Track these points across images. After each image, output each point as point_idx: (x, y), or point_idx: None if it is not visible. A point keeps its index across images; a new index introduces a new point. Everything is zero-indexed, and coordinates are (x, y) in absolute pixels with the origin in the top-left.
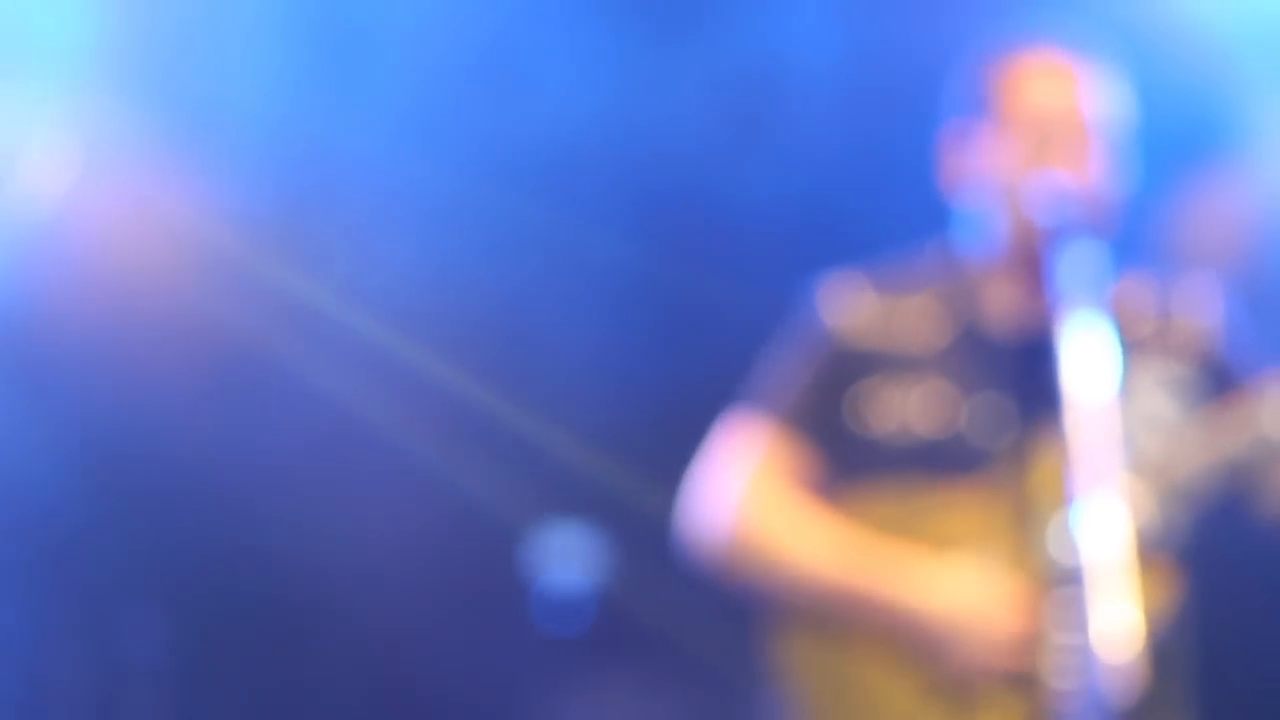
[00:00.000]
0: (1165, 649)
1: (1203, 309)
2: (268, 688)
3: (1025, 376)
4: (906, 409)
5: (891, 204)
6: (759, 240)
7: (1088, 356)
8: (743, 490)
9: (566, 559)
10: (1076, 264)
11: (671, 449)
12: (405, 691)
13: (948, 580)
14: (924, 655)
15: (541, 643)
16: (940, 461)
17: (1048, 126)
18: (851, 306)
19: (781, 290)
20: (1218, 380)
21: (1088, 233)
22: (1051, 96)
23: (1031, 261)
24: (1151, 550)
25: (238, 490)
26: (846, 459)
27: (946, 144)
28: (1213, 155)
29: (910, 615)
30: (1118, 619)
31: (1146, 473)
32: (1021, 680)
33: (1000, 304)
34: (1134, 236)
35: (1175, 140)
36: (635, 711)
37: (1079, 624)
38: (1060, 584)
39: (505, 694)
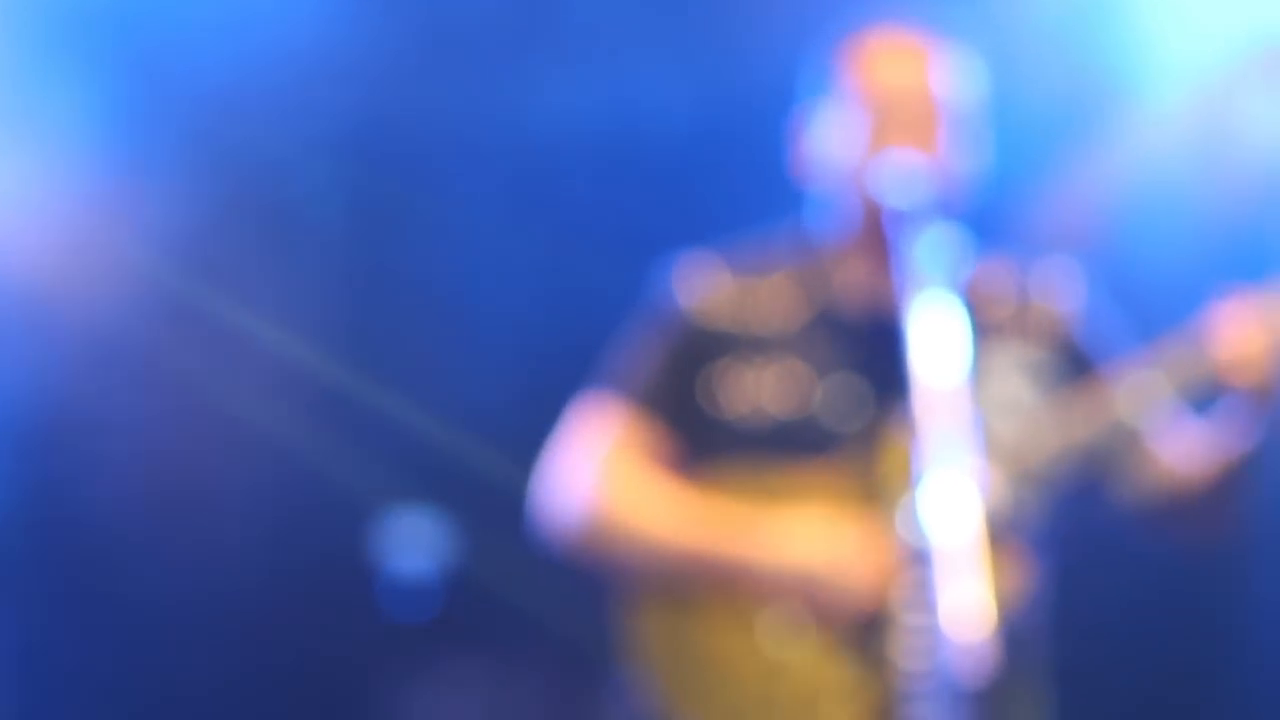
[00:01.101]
0: (1017, 633)
1: (1061, 293)
2: (113, 674)
3: (878, 358)
4: (760, 390)
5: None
6: (615, 225)
7: (939, 338)
8: (594, 470)
9: (414, 544)
10: (927, 244)
11: (524, 431)
12: (252, 676)
13: (799, 532)
14: (778, 606)
15: (389, 628)
16: (793, 443)
17: (894, 106)
18: (705, 287)
19: (635, 270)
20: (1075, 364)
21: (936, 212)
22: (897, 76)
23: (881, 242)
24: (1003, 534)
25: (82, 469)
26: (700, 440)
27: (796, 128)
28: (1073, 140)
29: (762, 568)
30: (968, 601)
31: (1000, 456)
32: (877, 626)
33: (853, 285)
34: (993, 220)
35: (1037, 124)
36: (485, 697)
37: (929, 606)
38: (910, 566)
39: (353, 680)
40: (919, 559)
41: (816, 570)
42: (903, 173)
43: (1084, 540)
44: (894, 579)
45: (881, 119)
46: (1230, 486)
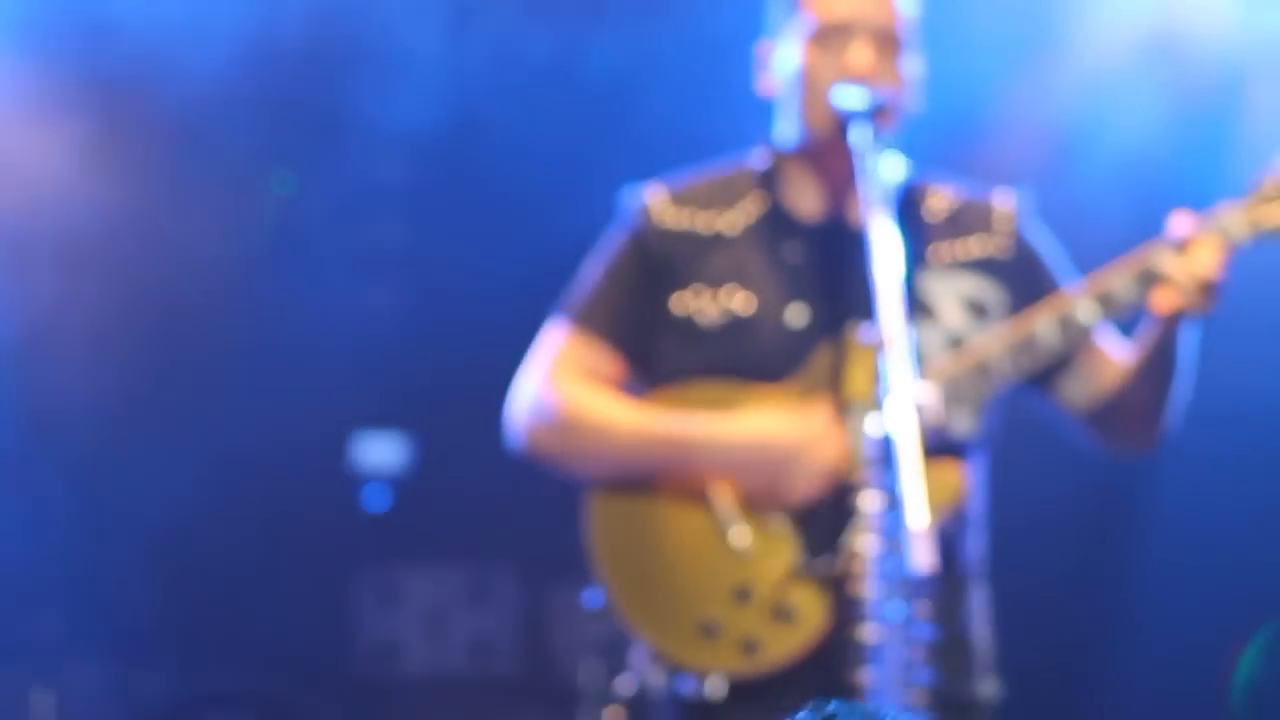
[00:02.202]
0: (953, 529)
1: (1009, 221)
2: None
3: (829, 262)
4: (711, 293)
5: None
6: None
7: (887, 248)
8: (545, 381)
9: (382, 456)
10: (878, 160)
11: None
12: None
13: (755, 415)
14: (731, 484)
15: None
16: (745, 343)
17: (849, 26)
18: (654, 207)
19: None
20: (1019, 287)
21: (886, 131)
22: (845, 1)
23: (833, 154)
24: (940, 447)
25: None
26: (655, 350)
27: (760, 53)
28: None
29: (717, 440)
30: (915, 496)
31: (949, 356)
32: (828, 509)
33: (805, 193)
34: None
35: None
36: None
37: (882, 495)
38: (864, 458)
39: (330, 554)
40: (873, 452)
41: (772, 444)
42: (853, 90)
43: (1014, 447)
44: (846, 462)
45: (837, 38)
46: (1154, 383)
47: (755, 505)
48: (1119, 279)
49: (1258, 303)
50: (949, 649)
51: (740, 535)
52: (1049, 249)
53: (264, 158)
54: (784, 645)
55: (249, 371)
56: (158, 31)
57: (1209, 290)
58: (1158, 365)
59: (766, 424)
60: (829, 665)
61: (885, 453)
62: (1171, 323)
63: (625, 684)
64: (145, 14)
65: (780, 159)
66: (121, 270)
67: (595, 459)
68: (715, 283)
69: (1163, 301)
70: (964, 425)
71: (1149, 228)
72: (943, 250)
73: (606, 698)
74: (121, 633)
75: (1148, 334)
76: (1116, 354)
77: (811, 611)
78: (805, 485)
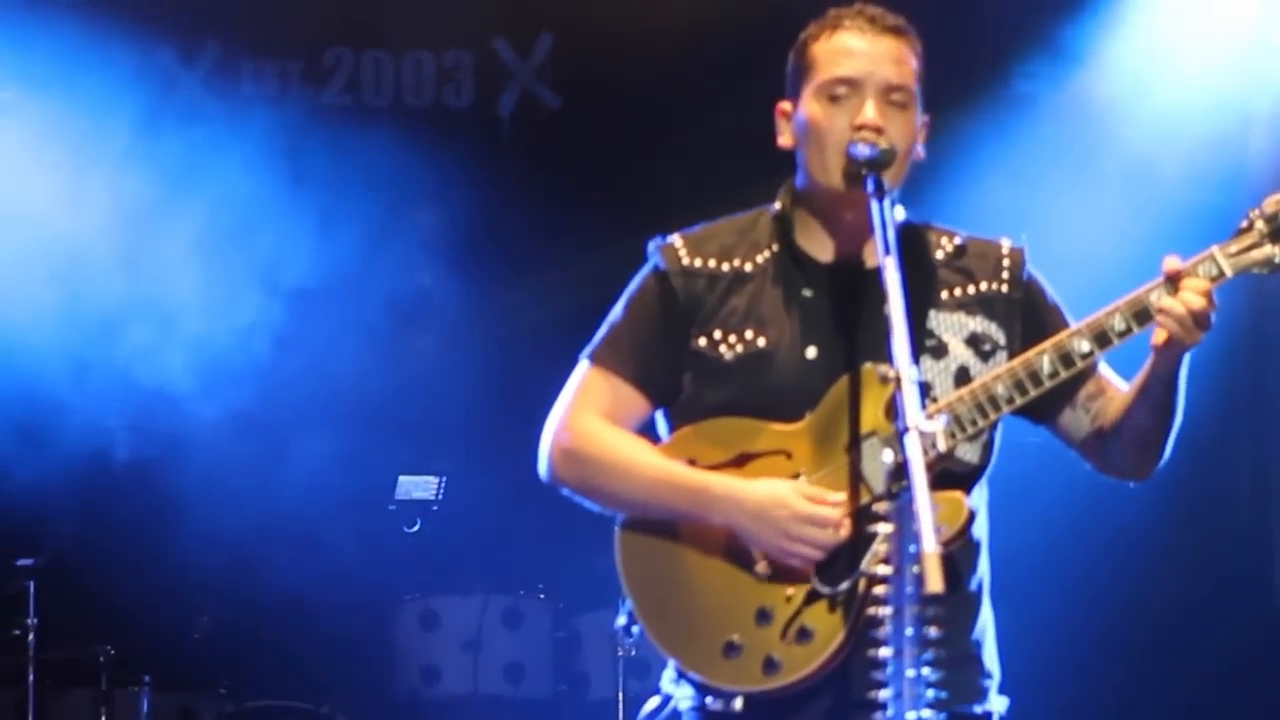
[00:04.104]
0: (957, 559)
1: (1012, 262)
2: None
3: (840, 304)
4: (728, 331)
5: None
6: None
7: (895, 292)
8: (571, 417)
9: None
10: (884, 207)
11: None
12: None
13: (770, 480)
14: (744, 532)
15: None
16: (759, 382)
17: (856, 84)
18: (678, 254)
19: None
20: (1021, 327)
21: (893, 179)
22: (856, 58)
23: (844, 201)
24: (947, 477)
25: None
26: (676, 388)
27: (779, 110)
28: None
29: (731, 495)
30: (924, 529)
31: (951, 399)
32: (835, 560)
33: (818, 237)
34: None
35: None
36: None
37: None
38: (876, 498)
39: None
40: (886, 480)
41: (779, 512)
42: (860, 143)
43: (1015, 476)
44: (841, 542)
45: (848, 94)
46: (1154, 414)
47: (762, 559)
48: (1115, 315)
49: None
50: (959, 666)
51: (762, 561)
52: (1049, 289)
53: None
54: (802, 664)
55: (301, 413)
56: None
57: (1199, 322)
58: (1157, 397)
59: (778, 491)
60: (846, 683)
61: (897, 481)
62: (1169, 356)
63: (653, 702)
64: None
65: (796, 205)
66: None
67: (614, 497)
68: (734, 322)
69: (1158, 334)
70: (970, 454)
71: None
72: (950, 290)
73: (636, 715)
74: (179, 656)
75: (1148, 368)
76: (1115, 387)
77: (829, 631)
78: (800, 555)
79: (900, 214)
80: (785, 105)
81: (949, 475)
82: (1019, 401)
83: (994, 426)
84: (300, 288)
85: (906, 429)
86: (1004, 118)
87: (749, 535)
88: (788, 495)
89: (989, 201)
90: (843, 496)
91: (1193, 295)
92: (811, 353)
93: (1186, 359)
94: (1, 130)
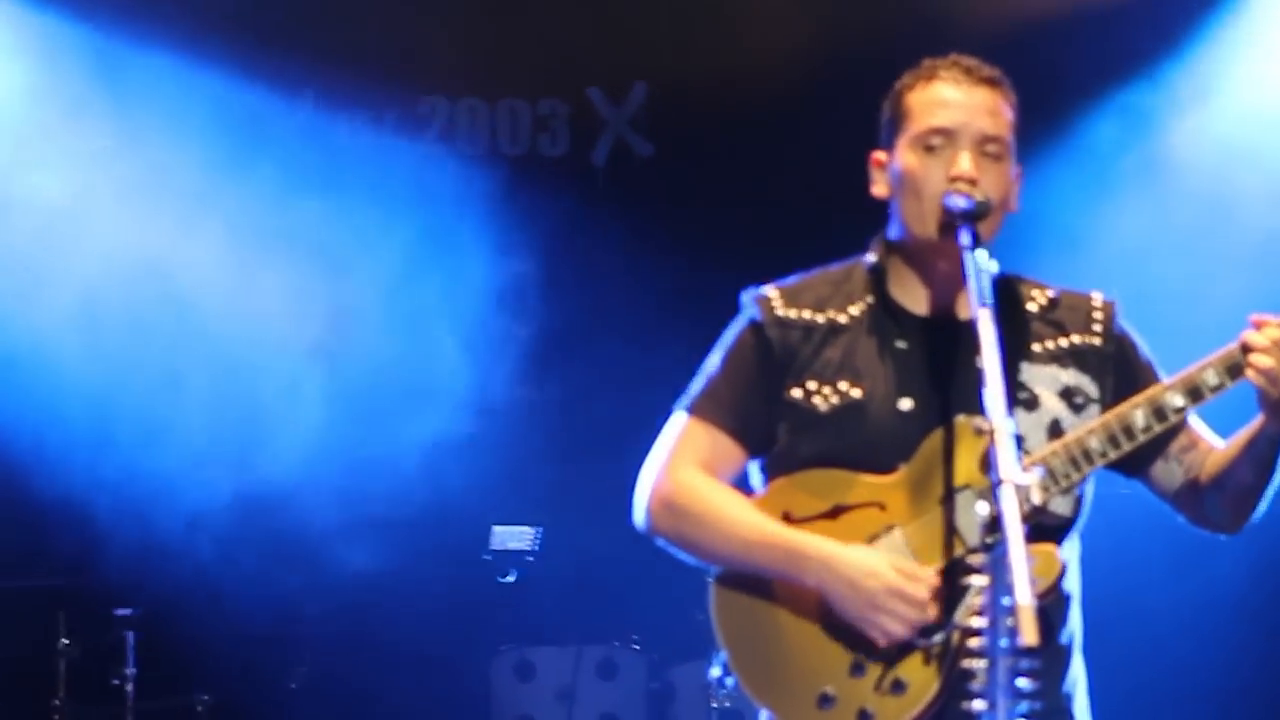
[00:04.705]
0: (1050, 612)
1: (1104, 316)
2: None
3: (935, 357)
4: (823, 384)
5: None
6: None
7: (989, 344)
8: (667, 468)
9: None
10: (978, 259)
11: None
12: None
13: (866, 550)
14: (833, 597)
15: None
16: (857, 431)
17: (951, 135)
18: (773, 305)
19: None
20: (1114, 380)
21: (987, 231)
22: (960, 103)
23: (938, 252)
24: (1040, 530)
25: None
26: (772, 438)
27: (873, 160)
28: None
29: (824, 559)
30: (1018, 581)
31: (1044, 452)
32: (944, 577)
33: (913, 289)
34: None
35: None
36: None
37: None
38: (969, 550)
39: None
40: (980, 533)
41: (870, 584)
42: (954, 195)
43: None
44: (925, 623)
45: (943, 145)
46: (1254, 469)
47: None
48: (1208, 370)
49: None
50: (1051, 719)
51: (841, 637)
52: (1141, 343)
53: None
54: (896, 716)
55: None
56: None
57: None
58: (1261, 452)
59: (873, 563)
60: None
61: (991, 533)
62: (1272, 411)
63: None
64: None
65: (891, 257)
66: None
67: (709, 552)
68: (829, 373)
69: (1255, 377)
70: (1063, 508)
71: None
72: (1042, 342)
73: None
74: (276, 706)
75: (1255, 423)
76: (1206, 440)
77: (922, 683)
78: (884, 631)
79: (994, 266)
80: (880, 155)
81: (1041, 528)
82: (1112, 455)
83: (1086, 479)
84: (390, 333)
85: (1001, 481)
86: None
87: (836, 600)
88: (881, 567)
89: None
90: (934, 575)
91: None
92: (905, 405)
93: None
94: (103, 178)
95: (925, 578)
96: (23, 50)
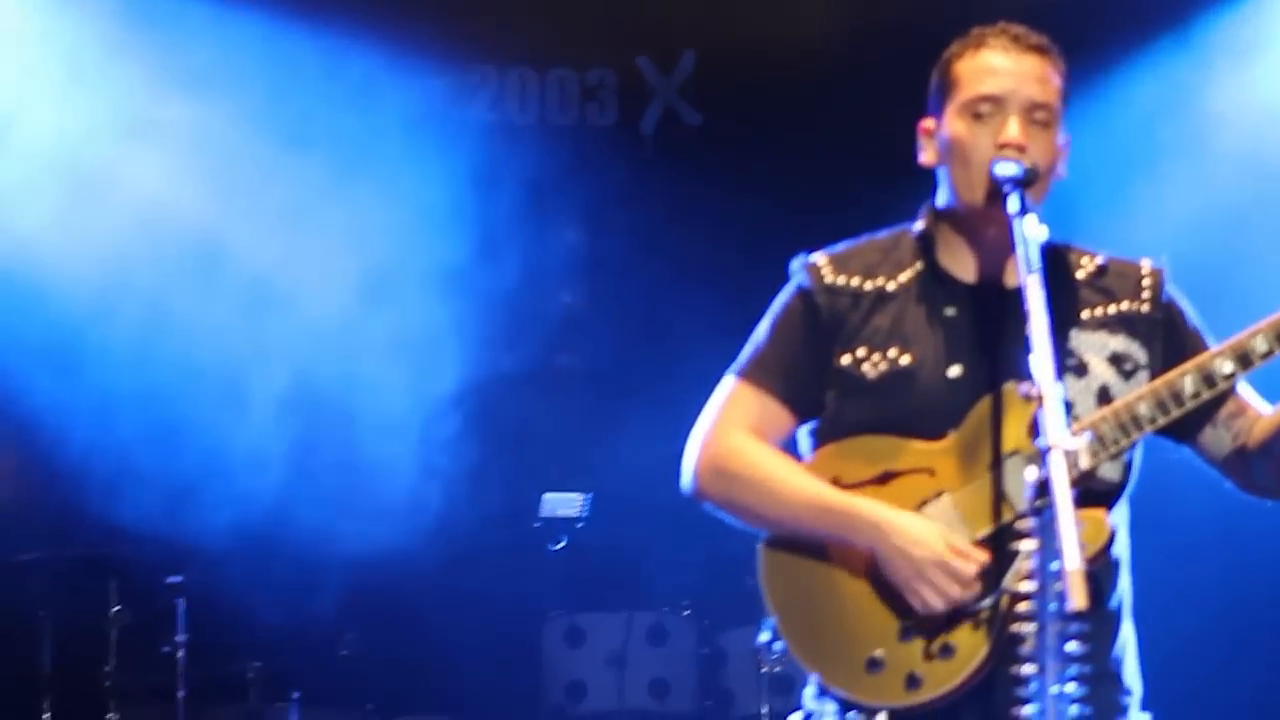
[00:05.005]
0: (1099, 577)
1: (1153, 282)
2: None
3: (984, 322)
4: (873, 348)
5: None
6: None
7: (1039, 307)
8: (717, 432)
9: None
10: (1027, 226)
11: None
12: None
13: (917, 517)
14: (882, 560)
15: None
16: (906, 397)
17: (999, 101)
18: (822, 272)
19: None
20: (1162, 347)
21: (1035, 198)
22: (1009, 68)
23: (986, 220)
24: (1088, 496)
25: None
26: (822, 403)
27: (922, 128)
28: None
29: (877, 523)
30: (1067, 546)
31: (1093, 418)
32: (992, 542)
33: (962, 256)
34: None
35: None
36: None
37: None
38: (1018, 515)
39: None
40: (1029, 498)
41: (920, 551)
42: (1003, 160)
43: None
44: (972, 595)
45: (991, 111)
46: None
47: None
48: (1258, 336)
49: None
50: (1101, 683)
51: (893, 600)
52: (1189, 310)
53: None
54: (945, 680)
55: (445, 430)
56: None
57: None
58: None
59: (924, 532)
60: (988, 699)
61: (1040, 498)
62: None
63: (796, 718)
64: None
65: (939, 224)
66: None
67: (759, 515)
68: (878, 340)
69: None
70: (1112, 473)
71: None
72: (1091, 309)
73: None
74: (327, 672)
75: None
76: (1255, 406)
77: (971, 648)
78: (924, 599)
79: (1044, 233)
80: (928, 123)
81: (1090, 494)
82: (1161, 421)
83: (1134, 445)
84: (439, 305)
85: (1050, 447)
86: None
87: (885, 564)
88: (933, 538)
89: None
90: (984, 554)
91: None
92: (954, 371)
93: None
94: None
95: (975, 556)
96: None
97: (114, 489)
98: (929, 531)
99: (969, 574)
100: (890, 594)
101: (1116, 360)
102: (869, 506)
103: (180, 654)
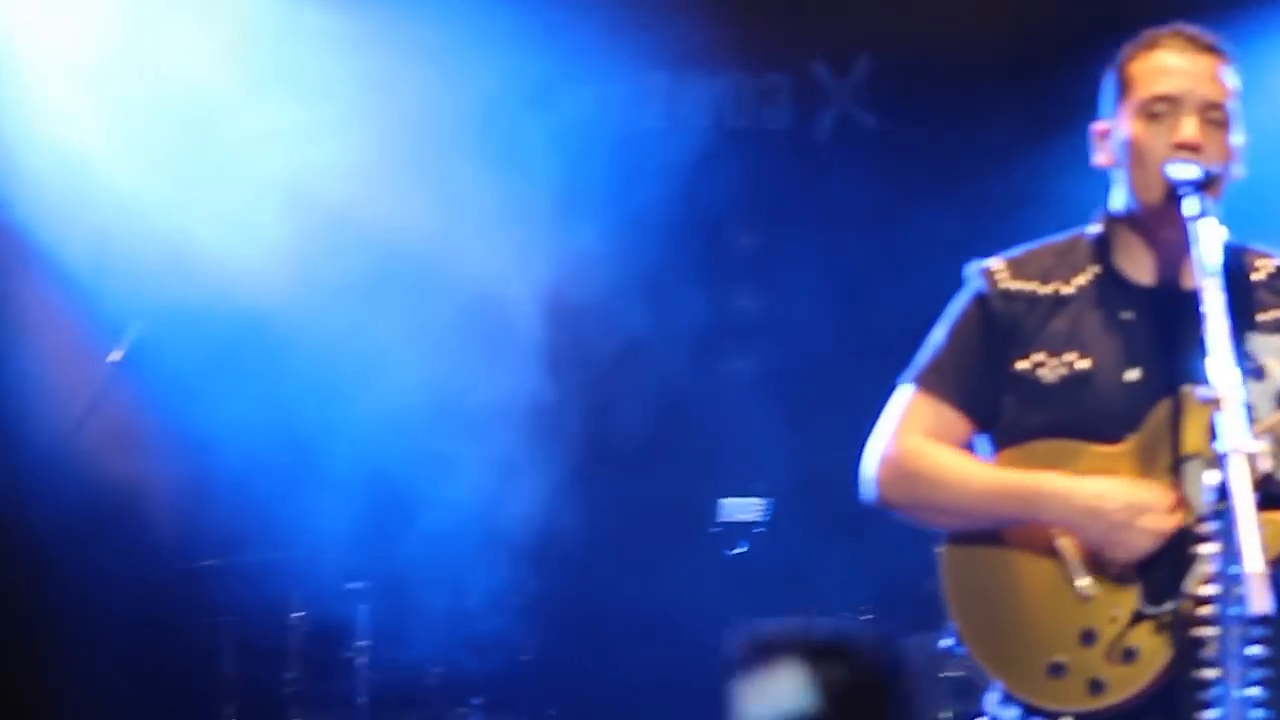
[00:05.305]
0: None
1: None
2: None
3: (1163, 326)
4: (1051, 353)
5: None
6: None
7: (1217, 310)
8: (895, 437)
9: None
10: (1206, 227)
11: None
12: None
13: (1098, 476)
14: (1080, 530)
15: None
16: (1085, 402)
17: (1174, 103)
18: (998, 277)
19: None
20: None
21: (1212, 199)
22: (1183, 70)
23: (1163, 222)
24: (1269, 500)
25: None
26: (999, 408)
27: (1095, 130)
28: None
29: (1056, 494)
30: (1248, 549)
31: (1273, 421)
32: (1164, 562)
33: (1138, 258)
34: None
35: None
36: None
37: (1220, 548)
38: (1199, 519)
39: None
40: (1210, 502)
41: (1111, 504)
42: (1179, 161)
43: None
44: (1176, 527)
45: (1166, 113)
46: None
47: (1093, 557)
48: None
49: None
50: None
51: (1086, 582)
52: None
53: None
54: (1128, 685)
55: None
56: None
57: None
58: None
59: (1108, 486)
60: (1171, 704)
61: (1221, 502)
62: None
63: None
64: None
65: (1115, 227)
66: None
67: (943, 510)
68: (1055, 344)
69: None
70: None
71: None
72: (1268, 312)
73: None
74: (508, 678)
75: None
76: None
77: (1154, 653)
78: (1135, 545)
79: (1223, 234)
80: (1101, 125)
81: (1271, 497)
82: None
83: None
84: (616, 300)
85: (1230, 450)
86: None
87: (1077, 529)
88: (1115, 488)
89: None
90: (1169, 490)
91: None
92: (1132, 375)
93: None
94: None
95: (1160, 491)
96: None
97: (296, 495)
98: (1109, 485)
99: (1161, 503)
100: (1072, 597)
101: None
102: (1050, 479)
103: (361, 660)
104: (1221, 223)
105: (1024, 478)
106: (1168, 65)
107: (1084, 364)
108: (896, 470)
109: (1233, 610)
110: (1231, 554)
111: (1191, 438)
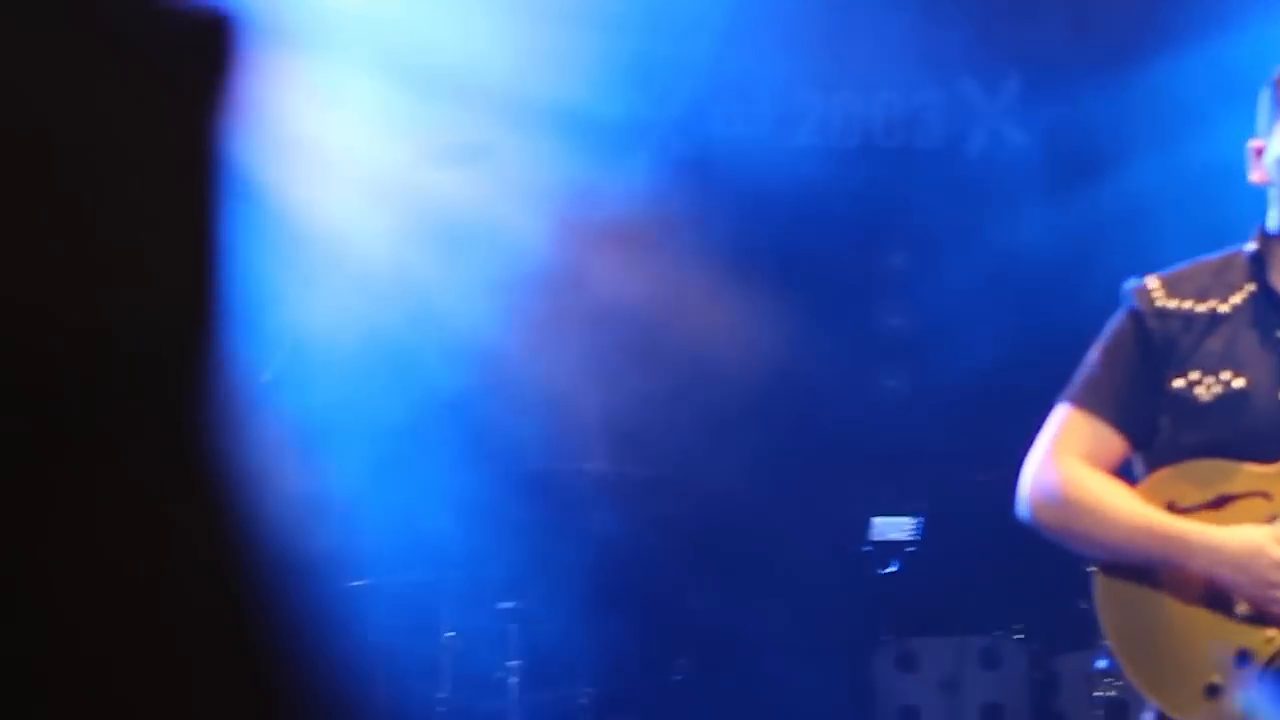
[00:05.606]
0: None
1: None
2: None
3: None
4: (1206, 372)
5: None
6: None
7: None
8: (1050, 458)
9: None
10: None
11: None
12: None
13: (1249, 527)
14: (1225, 581)
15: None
16: (1241, 421)
17: None
18: (1154, 295)
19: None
20: None
21: None
22: None
23: None
24: None
25: None
26: (1156, 429)
27: (1251, 149)
28: None
29: (1209, 546)
30: None
31: None
32: None
33: None
34: None
35: None
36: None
37: None
38: None
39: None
40: None
41: (1261, 560)
42: None
43: None
44: None
45: None
46: None
47: (1243, 605)
48: None
49: None
50: None
51: (1243, 603)
52: None
53: None
54: None
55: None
56: None
57: None
58: None
59: (1256, 543)
60: None
61: None
62: None
63: None
64: None
65: (1270, 245)
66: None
67: (1092, 541)
68: (1211, 363)
69: None
70: None
71: None
72: None
73: None
74: (659, 699)
75: None
76: None
77: None
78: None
79: None
80: (1257, 142)
81: None
82: None
83: None
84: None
85: None
86: None
87: (1230, 584)
88: (1267, 544)
89: None
90: None
91: None
92: None
93: None
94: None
95: None
96: None
97: (446, 513)
98: (1259, 537)
99: None
100: (1227, 618)
101: None
102: (1198, 531)
103: (513, 679)
104: None
105: (1171, 525)
106: None
107: (1239, 382)
108: (1052, 496)
109: None
110: None
111: None
